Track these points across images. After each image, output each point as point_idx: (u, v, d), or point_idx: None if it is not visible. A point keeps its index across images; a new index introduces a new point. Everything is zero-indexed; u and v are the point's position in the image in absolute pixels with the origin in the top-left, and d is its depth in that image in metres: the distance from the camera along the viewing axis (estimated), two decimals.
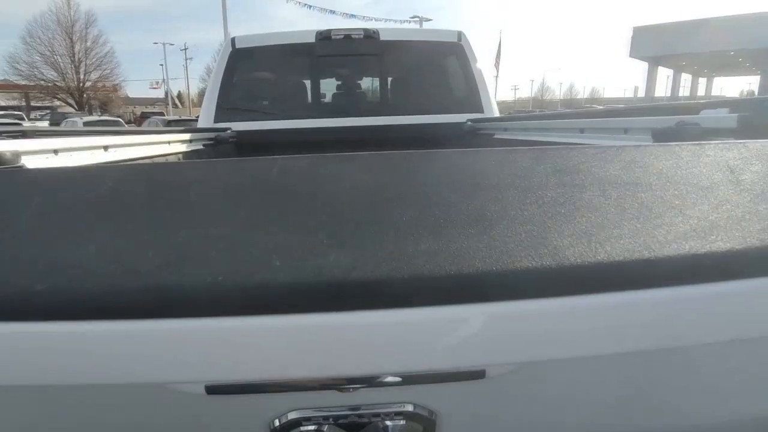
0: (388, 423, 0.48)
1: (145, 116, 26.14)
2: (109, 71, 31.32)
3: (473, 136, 2.45)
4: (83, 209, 0.49)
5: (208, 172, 0.56)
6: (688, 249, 0.45)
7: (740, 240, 0.46)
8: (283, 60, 2.68)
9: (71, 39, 29.34)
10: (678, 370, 0.49)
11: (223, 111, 2.55)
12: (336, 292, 0.42)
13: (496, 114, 2.67)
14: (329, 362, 0.44)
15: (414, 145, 2.42)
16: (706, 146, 0.59)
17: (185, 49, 40.13)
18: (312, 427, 0.48)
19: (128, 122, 23.87)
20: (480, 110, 2.59)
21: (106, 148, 1.30)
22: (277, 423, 0.47)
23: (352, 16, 26.28)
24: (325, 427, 0.48)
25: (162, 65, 39.27)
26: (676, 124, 1.00)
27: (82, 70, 29.93)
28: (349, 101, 2.82)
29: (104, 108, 32.89)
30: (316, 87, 2.77)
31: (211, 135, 2.29)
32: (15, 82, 28.79)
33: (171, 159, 1.75)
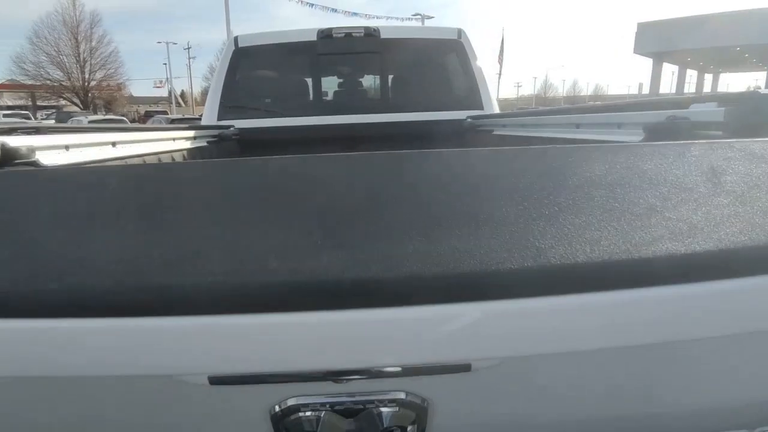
0: (382, 410, 0.50)
1: (149, 115, 26.26)
2: (113, 70, 31.48)
3: (473, 133, 2.47)
4: (90, 210, 0.51)
5: (207, 173, 0.58)
6: (670, 249, 0.46)
7: (723, 240, 0.47)
8: (285, 58, 2.70)
9: (76, 39, 29.48)
10: (657, 365, 0.51)
11: (227, 109, 2.58)
12: (330, 292, 0.44)
13: (496, 111, 2.69)
14: (324, 357, 0.46)
15: (415, 141, 2.45)
16: (694, 146, 0.59)
17: (188, 48, 40.24)
18: (310, 413, 0.50)
19: (132, 121, 23.95)
20: (480, 107, 2.61)
21: (114, 144, 1.34)
22: (277, 409, 0.50)
23: (354, 14, 26.26)
24: (323, 413, 0.50)
25: (165, 64, 39.31)
26: (666, 118, 1.03)
27: (87, 69, 30.08)
28: (350, 99, 2.84)
29: (109, 107, 33.04)
30: (317, 85, 2.79)
31: (215, 132, 2.32)
32: (22, 81, 28.98)
33: (176, 156, 1.78)
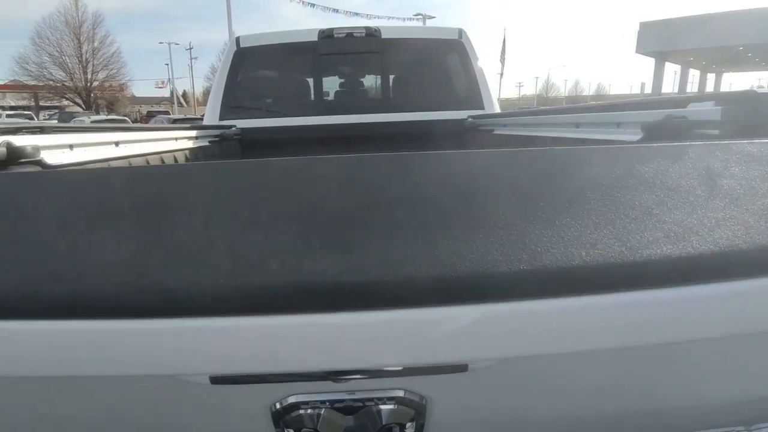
0: (381, 407, 0.51)
1: (151, 115, 26.33)
2: (115, 71, 31.56)
3: (474, 133, 2.48)
4: (96, 212, 0.51)
5: (209, 176, 0.58)
6: (666, 252, 0.47)
7: (718, 243, 0.48)
8: (286, 58, 2.71)
9: (79, 39, 29.57)
10: (653, 364, 0.52)
11: (228, 109, 2.59)
12: (328, 295, 0.45)
13: (497, 110, 2.70)
14: (323, 359, 0.47)
15: (416, 141, 2.45)
16: (692, 147, 0.60)
17: (190, 48, 40.35)
18: (310, 410, 0.51)
19: (134, 121, 24.02)
20: (481, 107, 2.61)
21: (117, 143, 1.36)
22: (278, 406, 0.51)
23: (356, 14, 26.29)
24: (322, 410, 0.51)
25: (167, 65, 39.44)
26: (664, 117, 1.03)
27: (89, 70, 30.19)
28: (351, 99, 2.85)
29: (111, 107, 33.13)
30: (318, 85, 2.80)
31: (217, 132, 2.34)
32: (25, 82, 29.11)
33: (178, 155, 1.80)
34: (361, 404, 0.51)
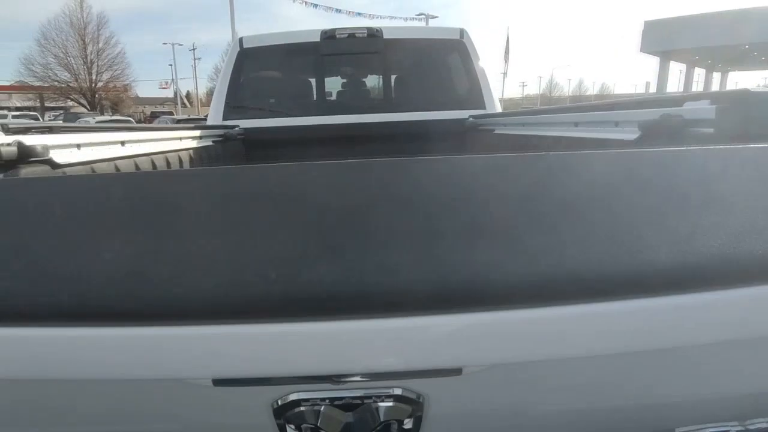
0: (380, 404, 0.52)
1: (155, 116, 26.47)
2: (120, 72, 31.73)
3: (475, 132, 2.49)
4: (99, 220, 0.52)
5: (207, 182, 0.59)
6: (661, 259, 0.47)
7: (715, 249, 0.48)
8: (289, 59, 2.73)
9: (84, 41, 29.75)
10: (648, 364, 0.53)
11: (232, 109, 2.62)
12: (326, 302, 0.46)
13: (498, 110, 2.71)
14: (321, 364, 0.49)
15: (417, 141, 2.47)
16: (691, 152, 0.59)
17: (194, 49, 40.50)
18: (311, 407, 0.52)
19: (138, 122, 24.13)
20: (482, 106, 2.63)
21: (123, 143, 1.38)
22: (279, 403, 0.53)
23: (358, 14, 26.32)
24: (323, 407, 0.52)
25: (171, 65, 39.66)
26: (660, 116, 1.05)
27: (94, 71, 30.36)
28: (353, 99, 2.86)
29: (115, 108, 33.32)
30: (321, 85, 2.82)
31: (220, 132, 2.36)
32: (30, 83, 29.35)
33: (182, 155, 1.82)
34: (360, 401, 0.53)
